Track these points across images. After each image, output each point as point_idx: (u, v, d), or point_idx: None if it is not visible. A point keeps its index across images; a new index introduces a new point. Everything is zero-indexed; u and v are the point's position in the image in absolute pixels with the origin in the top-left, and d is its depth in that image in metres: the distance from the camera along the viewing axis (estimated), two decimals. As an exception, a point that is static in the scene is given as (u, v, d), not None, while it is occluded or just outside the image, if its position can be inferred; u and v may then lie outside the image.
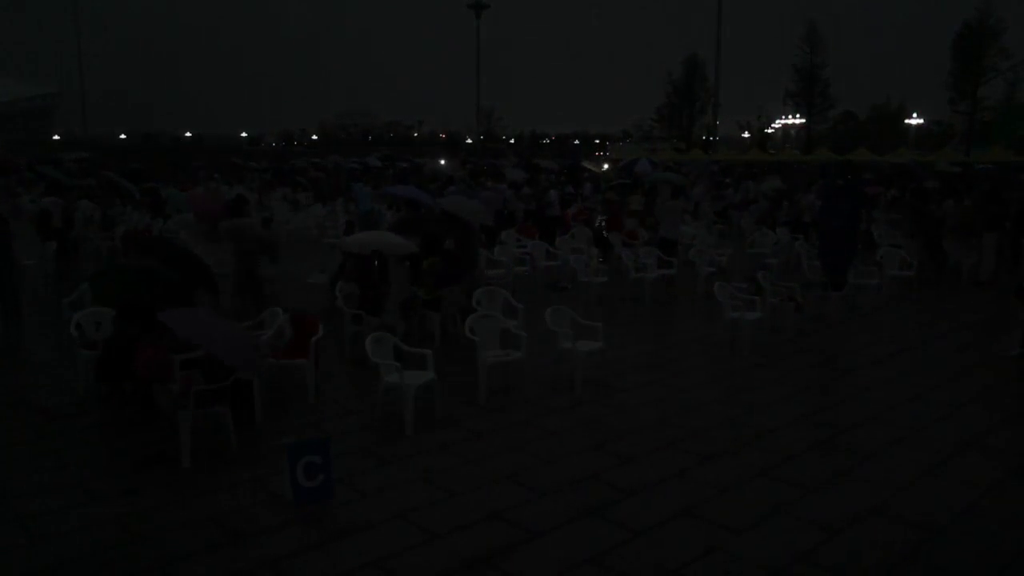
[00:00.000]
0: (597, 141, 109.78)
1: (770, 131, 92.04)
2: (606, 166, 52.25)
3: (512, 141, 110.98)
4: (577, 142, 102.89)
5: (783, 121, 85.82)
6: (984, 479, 6.94)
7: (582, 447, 7.67)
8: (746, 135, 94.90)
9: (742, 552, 5.68)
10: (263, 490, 6.58)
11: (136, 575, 5.43)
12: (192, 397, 7.21)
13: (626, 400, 9.10)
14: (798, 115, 78.58)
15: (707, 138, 77.78)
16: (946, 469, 7.17)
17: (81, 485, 6.79)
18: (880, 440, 7.86)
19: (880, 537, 5.91)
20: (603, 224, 20.31)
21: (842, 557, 5.63)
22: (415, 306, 11.47)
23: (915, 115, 76.99)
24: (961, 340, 11.99)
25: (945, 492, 6.70)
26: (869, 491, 6.68)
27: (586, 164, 52.63)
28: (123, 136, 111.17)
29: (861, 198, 15.73)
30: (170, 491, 6.64)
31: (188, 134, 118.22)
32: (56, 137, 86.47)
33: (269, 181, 37.98)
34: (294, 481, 6.22)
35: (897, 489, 6.74)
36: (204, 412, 7.33)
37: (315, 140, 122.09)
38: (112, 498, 6.52)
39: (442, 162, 49.70)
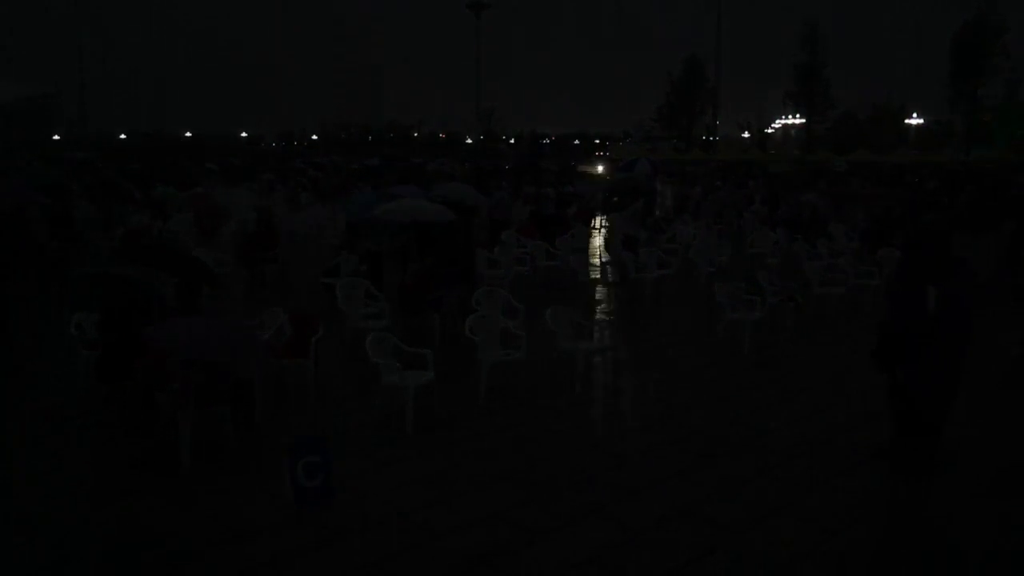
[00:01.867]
0: (597, 141, 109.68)
1: (770, 131, 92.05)
2: (600, 167, 52.09)
3: (512, 141, 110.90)
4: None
5: (783, 121, 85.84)
6: (982, 478, 6.94)
7: (582, 447, 7.67)
8: (746, 135, 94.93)
9: (742, 552, 5.69)
10: (263, 490, 6.58)
11: (136, 575, 5.43)
12: (192, 397, 7.22)
13: (626, 400, 9.10)
14: (798, 115, 78.57)
15: (707, 138, 77.78)
16: (946, 469, 7.17)
17: (81, 485, 6.79)
18: (880, 440, 7.86)
19: (879, 536, 5.92)
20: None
21: (842, 556, 5.64)
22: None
23: (915, 115, 76.99)
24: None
25: (944, 492, 6.70)
26: (868, 490, 6.68)
27: (585, 166, 52.65)
28: (123, 136, 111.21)
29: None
30: (170, 491, 6.64)
31: (188, 134, 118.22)
32: (56, 137, 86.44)
33: (271, 182, 38.03)
34: (294, 481, 6.22)
35: (896, 489, 6.74)
36: (204, 412, 7.33)
37: (315, 140, 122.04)
38: (112, 498, 6.53)
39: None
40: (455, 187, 20.17)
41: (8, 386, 9.64)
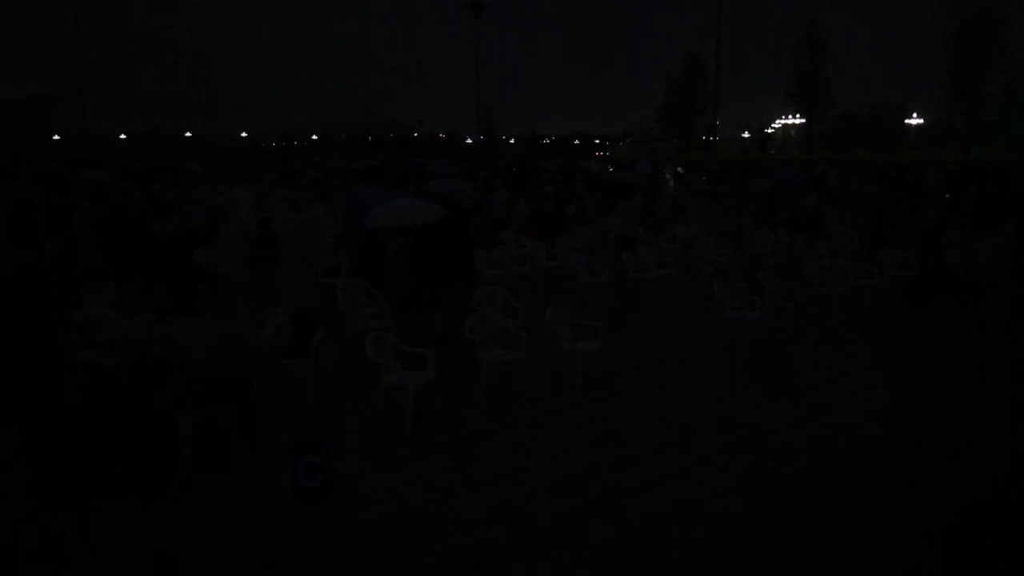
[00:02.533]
0: (597, 141, 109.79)
1: (770, 131, 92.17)
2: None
3: (512, 141, 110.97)
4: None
5: (783, 121, 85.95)
6: (983, 477, 6.94)
7: (582, 447, 7.67)
8: (746, 135, 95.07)
9: (742, 551, 5.69)
10: (263, 490, 6.59)
11: (136, 575, 5.43)
12: (192, 397, 7.22)
13: (626, 400, 9.11)
14: (798, 115, 78.65)
15: (707, 138, 77.83)
16: (946, 468, 7.17)
17: (80, 486, 6.78)
18: (881, 439, 7.87)
19: (881, 535, 5.92)
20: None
21: (841, 556, 5.64)
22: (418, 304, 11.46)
23: (915, 115, 77.07)
24: (960, 341, 11.98)
25: (941, 491, 6.70)
26: (870, 490, 6.69)
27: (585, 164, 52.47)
28: (123, 136, 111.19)
29: None
30: (170, 491, 6.64)
31: (188, 134, 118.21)
32: (56, 137, 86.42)
33: (271, 182, 38.04)
34: (294, 481, 6.22)
35: (897, 488, 6.75)
36: (204, 412, 7.33)
37: (315, 140, 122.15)
38: (111, 499, 6.52)
39: None
40: (450, 182, 20.25)
41: (6, 386, 9.62)
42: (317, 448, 6.35)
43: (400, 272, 12.58)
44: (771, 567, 5.49)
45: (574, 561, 5.54)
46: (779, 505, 6.42)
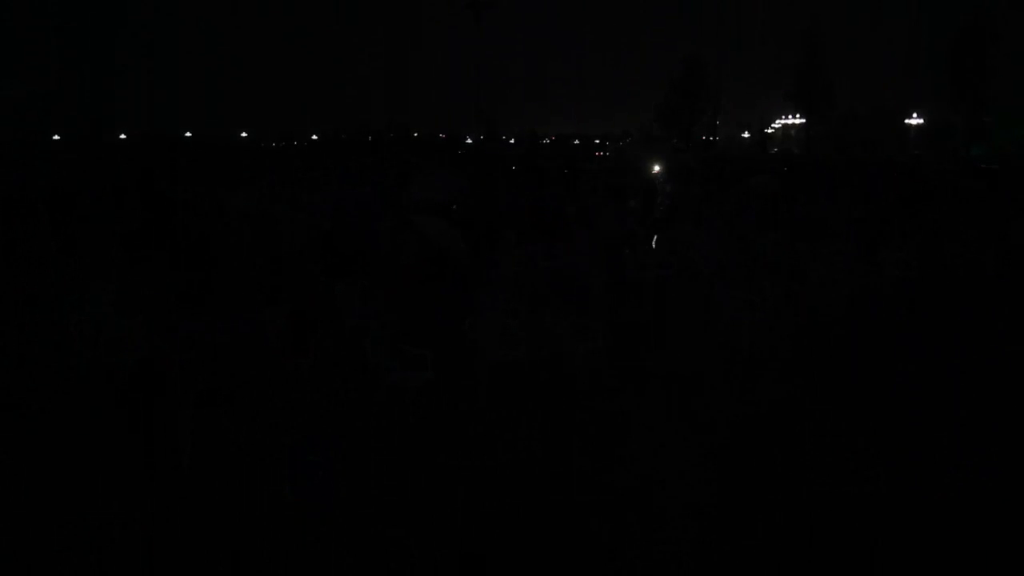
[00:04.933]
0: (597, 141, 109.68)
1: (770, 131, 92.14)
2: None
3: (512, 141, 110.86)
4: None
5: (783, 121, 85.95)
6: (985, 477, 6.94)
7: (582, 447, 7.68)
8: (746, 135, 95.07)
9: (744, 552, 5.69)
10: (263, 490, 6.58)
11: (136, 575, 5.44)
12: (192, 397, 7.21)
13: (626, 400, 9.11)
14: (798, 115, 78.64)
15: (707, 138, 77.85)
16: (946, 467, 7.17)
17: (79, 486, 6.78)
18: (883, 438, 7.87)
19: (886, 535, 5.92)
20: None
21: (843, 556, 5.64)
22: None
23: (915, 115, 77.03)
24: (960, 341, 11.97)
25: (935, 491, 6.70)
26: (871, 491, 6.69)
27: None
28: (123, 136, 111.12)
29: None
30: (169, 492, 6.64)
31: (188, 134, 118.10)
32: (56, 137, 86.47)
33: (271, 183, 37.98)
34: (294, 481, 6.22)
35: (899, 488, 6.75)
36: (204, 412, 7.32)
37: (316, 140, 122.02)
38: (111, 499, 6.52)
39: None
40: (436, 182, 20.32)
41: (6, 386, 9.62)
42: (317, 448, 6.35)
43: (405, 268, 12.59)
44: (773, 567, 5.49)
45: (575, 561, 5.54)
46: (781, 505, 6.41)
